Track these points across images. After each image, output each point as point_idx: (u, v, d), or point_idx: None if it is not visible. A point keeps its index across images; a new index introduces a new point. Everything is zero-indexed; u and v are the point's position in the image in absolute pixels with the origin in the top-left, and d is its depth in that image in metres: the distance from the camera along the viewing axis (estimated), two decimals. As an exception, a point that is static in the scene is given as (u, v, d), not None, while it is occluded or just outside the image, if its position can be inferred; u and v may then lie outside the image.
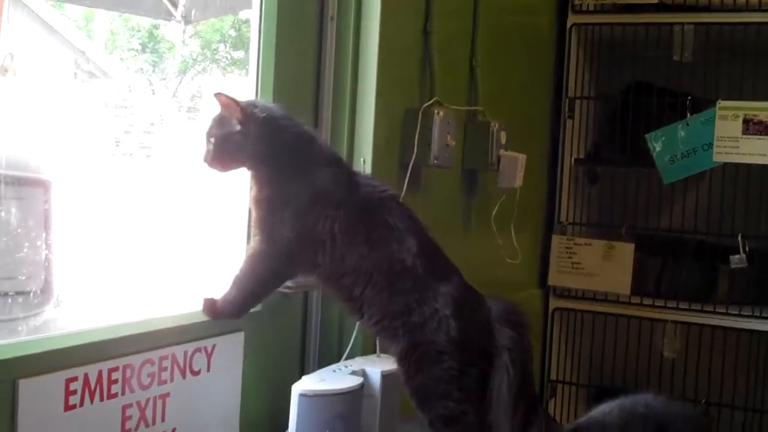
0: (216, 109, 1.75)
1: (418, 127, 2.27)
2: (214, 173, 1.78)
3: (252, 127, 1.73)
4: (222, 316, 1.79)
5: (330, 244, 1.74)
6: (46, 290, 1.65)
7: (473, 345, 1.76)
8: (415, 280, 1.75)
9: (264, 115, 1.75)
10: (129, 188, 2.19)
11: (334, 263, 1.75)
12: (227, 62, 3.06)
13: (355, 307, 1.78)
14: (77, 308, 1.79)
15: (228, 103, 1.73)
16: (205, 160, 1.76)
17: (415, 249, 1.76)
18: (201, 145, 1.76)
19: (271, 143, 1.75)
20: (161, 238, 1.96)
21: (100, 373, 1.54)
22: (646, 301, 3.15)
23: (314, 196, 1.75)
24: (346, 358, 2.07)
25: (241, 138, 1.73)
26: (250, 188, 1.78)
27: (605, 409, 1.32)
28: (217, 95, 1.73)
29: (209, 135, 1.76)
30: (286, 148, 1.76)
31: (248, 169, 1.78)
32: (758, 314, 3.00)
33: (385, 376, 1.94)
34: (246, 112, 1.73)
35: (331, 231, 1.74)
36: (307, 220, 1.74)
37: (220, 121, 1.75)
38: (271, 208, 1.75)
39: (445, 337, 1.72)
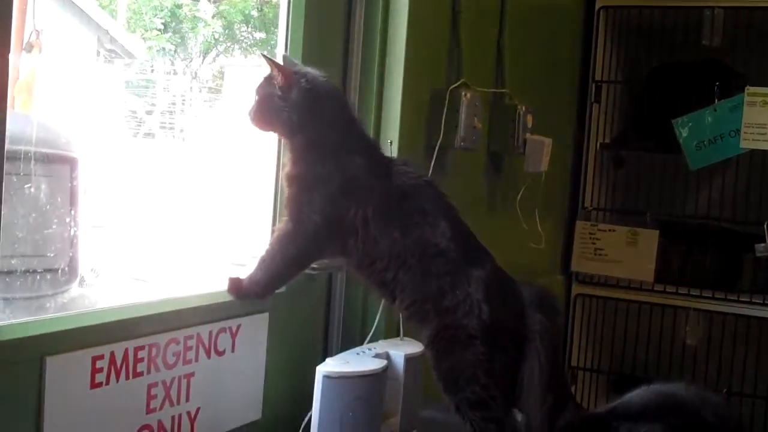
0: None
1: (445, 108, 2.25)
2: (255, 131, 1.78)
3: (292, 95, 1.73)
4: (247, 296, 1.78)
5: (362, 231, 1.73)
6: (72, 267, 1.64)
7: (504, 329, 1.74)
8: (448, 264, 1.74)
9: (309, 86, 1.74)
10: (151, 167, 2.19)
11: (366, 249, 1.74)
12: (249, 42, 3.04)
13: (387, 291, 1.78)
14: (103, 286, 1.78)
15: (273, 66, 1.73)
16: (248, 115, 1.76)
17: (448, 233, 1.74)
18: (250, 100, 1.76)
19: (307, 115, 1.73)
20: (186, 217, 1.95)
21: (126, 351, 1.53)
22: (670, 289, 3.12)
23: (345, 183, 1.73)
24: (370, 341, 2.06)
25: (279, 102, 1.73)
26: (284, 165, 1.78)
27: (642, 393, 1.29)
28: (265, 57, 1.72)
29: (256, 92, 1.75)
30: (323, 124, 1.75)
31: (282, 135, 1.78)
32: (782, 303, 2.97)
33: (409, 360, 1.93)
34: (289, 79, 1.73)
35: (363, 218, 1.72)
36: (336, 206, 1.73)
37: (268, 81, 1.75)
38: (301, 188, 1.74)
39: (476, 321, 1.71)
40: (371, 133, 2.11)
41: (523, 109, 2.60)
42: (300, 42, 1.96)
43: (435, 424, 2.06)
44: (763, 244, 2.97)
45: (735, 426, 1.23)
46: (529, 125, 2.64)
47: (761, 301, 3.00)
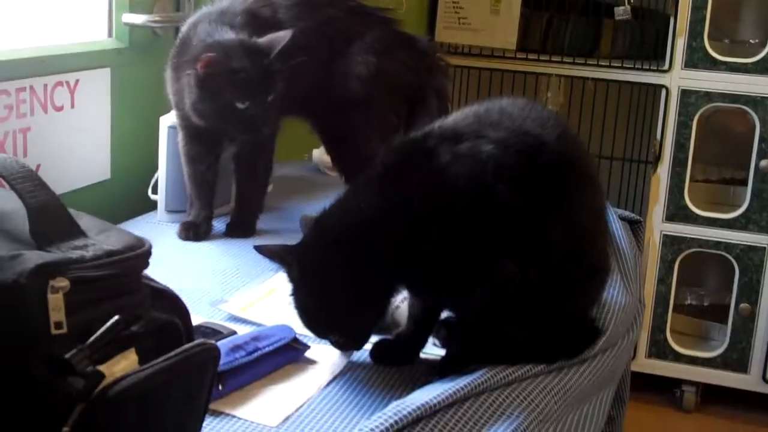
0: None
1: None
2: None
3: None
4: None
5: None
6: None
7: (395, 84, 1.74)
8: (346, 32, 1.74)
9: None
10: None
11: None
12: None
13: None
14: None
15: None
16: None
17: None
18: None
19: None
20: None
21: (-52, 100, 1.45)
22: (532, 56, 3.13)
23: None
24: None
25: None
26: None
27: (461, 112, 1.26)
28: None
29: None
30: None
31: None
32: (639, 66, 3.02)
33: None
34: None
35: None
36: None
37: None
38: None
39: (358, 84, 1.70)
40: None
41: None
42: None
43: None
44: (622, 8, 2.99)
45: (561, 132, 1.22)
46: None
47: (620, 65, 3.04)
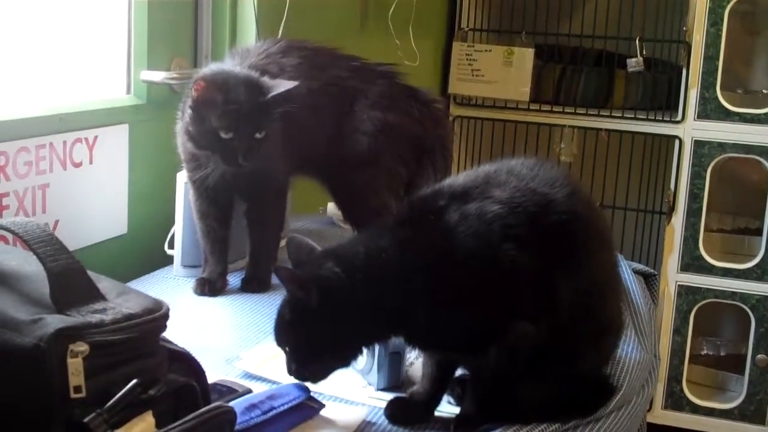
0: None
1: None
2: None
3: None
4: None
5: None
6: None
7: (402, 137, 1.76)
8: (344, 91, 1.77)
9: None
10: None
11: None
12: None
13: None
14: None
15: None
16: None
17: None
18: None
19: None
20: (42, 25, 1.84)
21: (-30, 159, 1.48)
22: (545, 108, 3.15)
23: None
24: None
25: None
26: None
27: (468, 173, 1.28)
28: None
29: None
30: None
31: None
32: (652, 117, 3.04)
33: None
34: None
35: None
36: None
37: None
38: None
39: (365, 141, 1.72)
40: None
41: None
42: None
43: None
44: (635, 59, 3.01)
45: (570, 191, 1.24)
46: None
47: (632, 116, 3.06)
